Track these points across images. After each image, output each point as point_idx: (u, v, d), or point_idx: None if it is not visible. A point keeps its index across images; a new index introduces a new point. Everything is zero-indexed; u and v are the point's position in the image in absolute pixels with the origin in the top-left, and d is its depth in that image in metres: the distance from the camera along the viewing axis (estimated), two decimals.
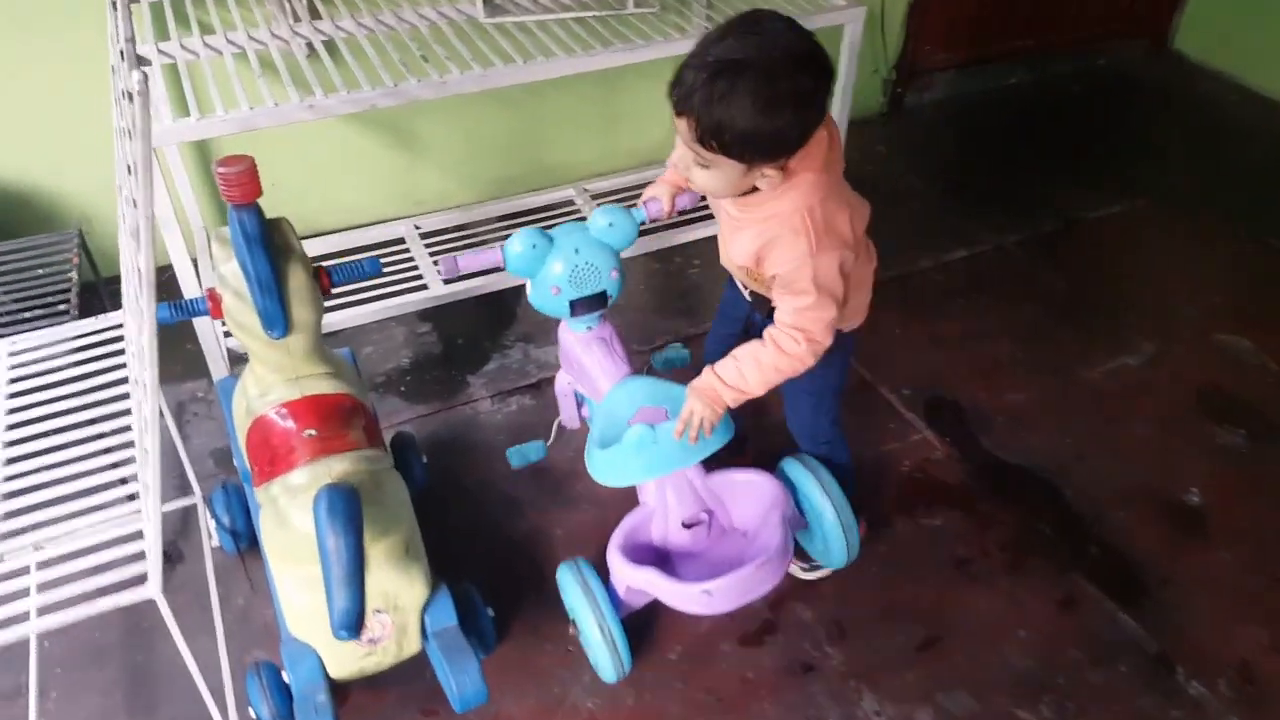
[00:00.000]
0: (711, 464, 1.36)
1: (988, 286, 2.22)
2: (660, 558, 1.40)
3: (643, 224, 1.35)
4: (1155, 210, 2.48)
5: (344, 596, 1.09)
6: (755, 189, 1.15)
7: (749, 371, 1.24)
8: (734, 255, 1.25)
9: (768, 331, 1.24)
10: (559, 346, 1.49)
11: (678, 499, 1.37)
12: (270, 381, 1.27)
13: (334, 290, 1.31)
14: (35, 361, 1.20)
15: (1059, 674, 1.43)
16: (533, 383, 1.93)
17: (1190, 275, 2.26)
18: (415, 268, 2.04)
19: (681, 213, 1.40)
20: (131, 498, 1.06)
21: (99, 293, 1.84)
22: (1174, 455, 1.79)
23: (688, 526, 1.39)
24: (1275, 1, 2.87)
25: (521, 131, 2.33)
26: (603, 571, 1.39)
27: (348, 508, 1.10)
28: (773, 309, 1.25)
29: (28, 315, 1.44)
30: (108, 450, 1.17)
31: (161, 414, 1.11)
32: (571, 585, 1.37)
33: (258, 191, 1.14)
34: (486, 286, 2.00)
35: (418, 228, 2.14)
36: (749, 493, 1.42)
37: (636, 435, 1.28)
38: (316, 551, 1.14)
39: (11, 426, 1.11)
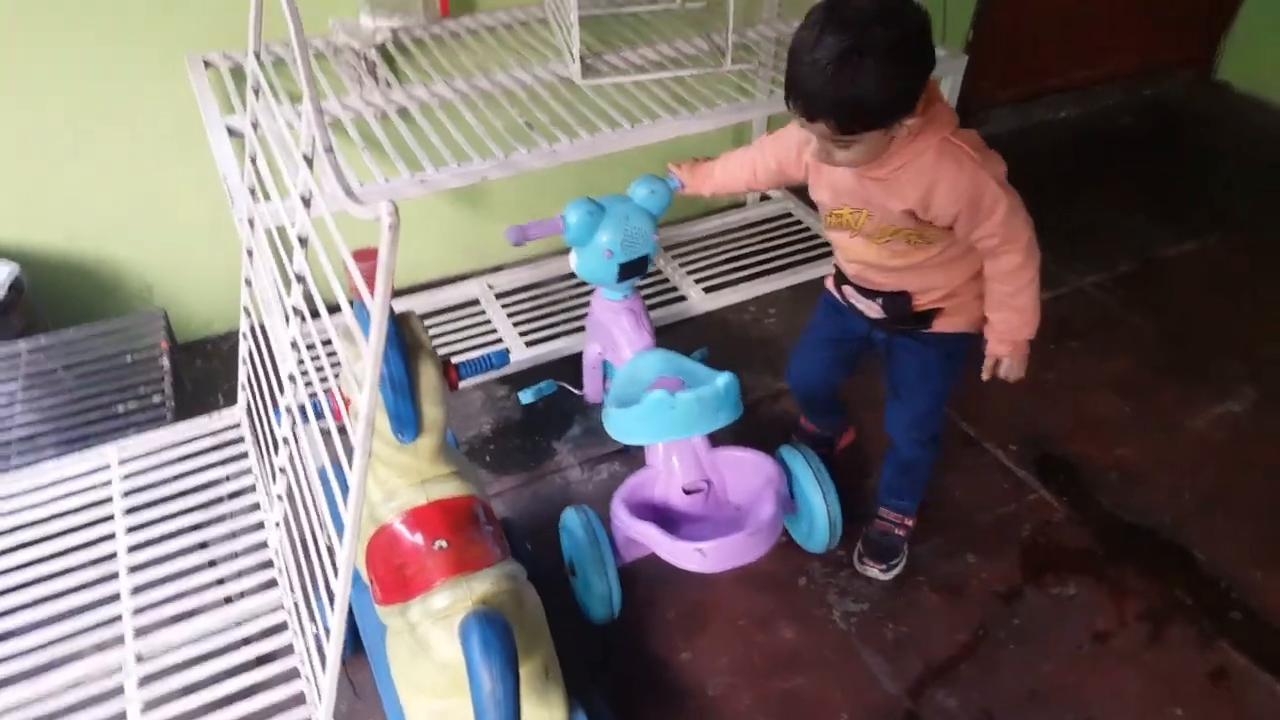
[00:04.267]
0: (716, 440, 1.50)
1: (1075, 331, 2.15)
2: (659, 518, 1.46)
3: (674, 191, 1.51)
4: (1229, 245, 2.43)
5: None
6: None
7: (1020, 303, 1.29)
8: (894, 219, 1.24)
9: (994, 273, 1.28)
10: (590, 319, 1.64)
11: (682, 465, 1.49)
12: (394, 486, 1.17)
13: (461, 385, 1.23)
14: (148, 470, 1.11)
15: None
16: (621, 448, 1.85)
17: (1278, 313, 2.20)
18: (494, 330, 1.97)
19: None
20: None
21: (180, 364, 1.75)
22: None
23: (688, 492, 1.49)
24: None
25: (585, 183, 2.26)
26: (607, 521, 1.48)
27: (503, 645, 1.01)
28: (913, 319, 1.35)
29: (121, 410, 1.35)
30: (212, 563, 1.08)
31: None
32: (576, 530, 1.45)
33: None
34: (563, 351, 1.93)
35: (491, 287, 2.07)
36: (747, 469, 1.50)
37: (657, 399, 1.36)
38: (458, 684, 1.05)
39: (134, 548, 1.02)
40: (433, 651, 1.06)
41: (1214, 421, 1.91)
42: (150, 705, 0.89)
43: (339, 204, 0.69)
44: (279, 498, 0.97)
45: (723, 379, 1.39)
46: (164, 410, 1.35)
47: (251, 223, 1.05)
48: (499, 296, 2.06)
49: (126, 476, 1.09)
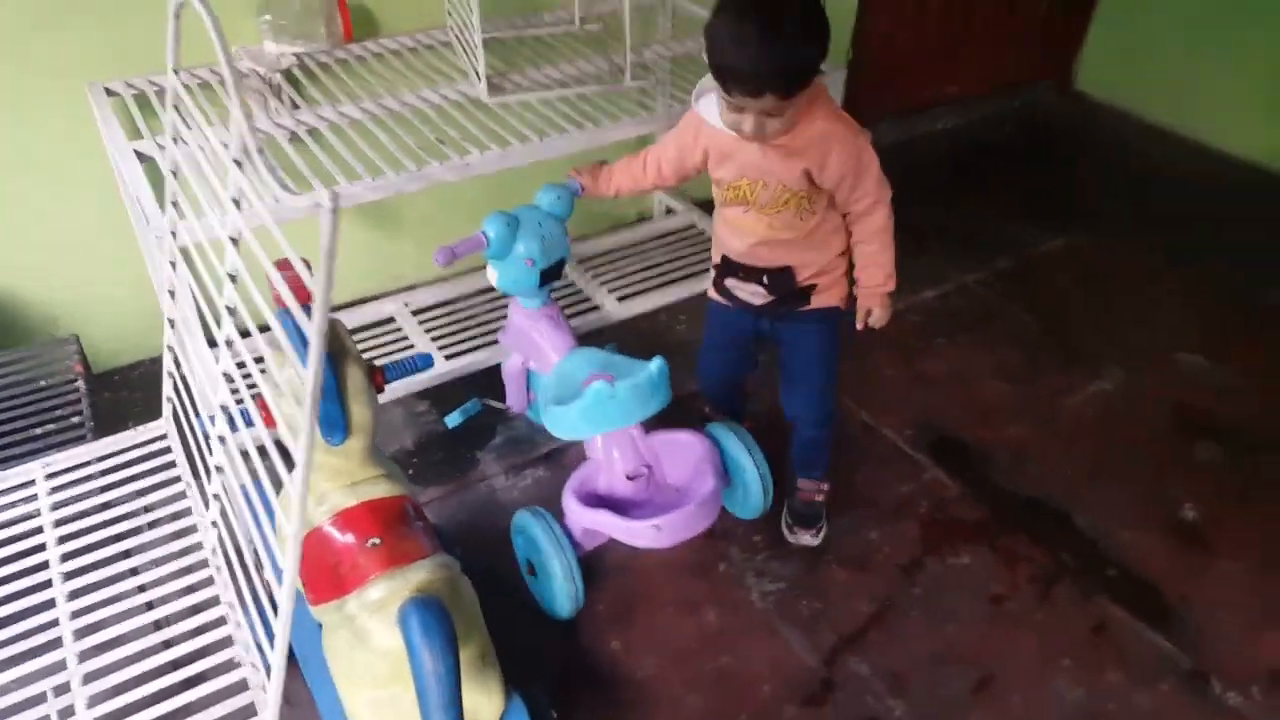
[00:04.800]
0: (649, 427, 1.58)
1: (962, 324, 2.32)
2: (605, 507, 1.53)
3: (575, 194, 1.59)
4: (1092, 242, 2.65)
5: None
6: None
7: (883, 260, 1.48)
8: (791, 182, 1.40)
9: (863, 235, 1.47)
10: (508, 330, 1.72)
11: (621, 454, 1.56)
12: (325, 489, 1.21)
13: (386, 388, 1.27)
14: (75, 483, 1.12)
15: (1108, 700, 1.49)
16: (544, 453, 1.91)
17: (1138, 300, 2.41)
18: (412, 345, 2.00)
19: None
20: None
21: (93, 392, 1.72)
22: (1163, 474, 1.90)
23: (631, 479, 1.56)
24: (1159, 45, 3.13)
25: (494, 199, 2.31)
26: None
27: (442, 625, 1.06)
28: (793, 296, 1.52)
29: (39, 432, 1.34)
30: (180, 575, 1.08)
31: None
32: (535, 530, 1.51)
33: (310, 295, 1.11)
34: (484, 363, 1.97)
35: (407, 305, 2.10)
36: (682, 451, 1.60)
37: (598, 390, 1.42)
38: (397, 671, 1.09)
39: (67, 557, 1.03)
40: (372, 641, 1.10)
41: (1088, 400, 2.09)
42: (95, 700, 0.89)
43: (277, 203, 0.74)
44: (215, 496, 1.00)
45: (655, 364, 1.47)
46: (84, 431, 1.34)
47: (174, 234, 1.08)
48: (415, 313, 2.10)
49: (53, 491, 1.10)
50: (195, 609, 0.99)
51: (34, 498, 1.09)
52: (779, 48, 1.22)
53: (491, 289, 2.21)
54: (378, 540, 1.18)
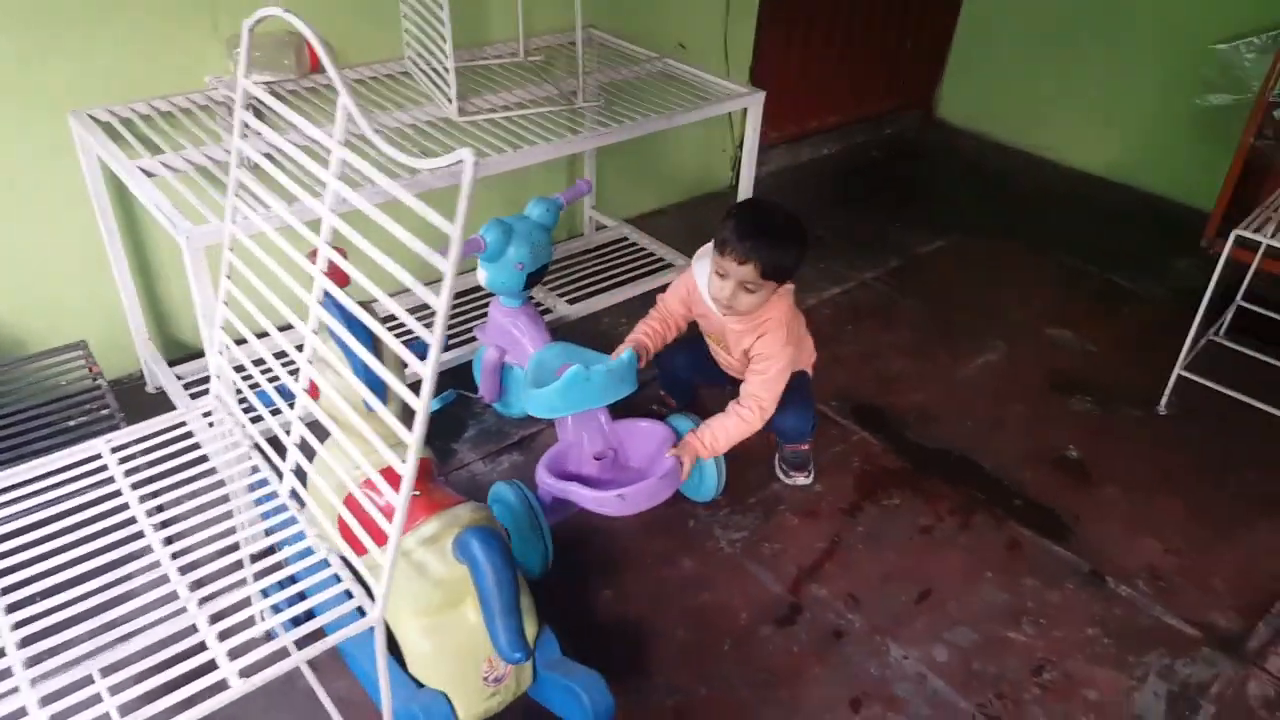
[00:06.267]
0: (614, 413, 1.82)
1: (864, 314, 2.63)
2: (574, 482, 1.73)
3: (560, 209, 1.83)
4: (966, 242, 3.04)
5: (513, 622, 1.20)
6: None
7: (721, 437, 1.78)
8: (736, 354, 1.85)
9: (732, 406, 1.79)
10: (488, 327, 1.93)
11: (590, 436, 1.77)
12: (364, 451, 1.36)
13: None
14: (144, 452, 1.23)
15: (1026, 599, 1.77)
16: (516, 440, 2.08)
17: (1009, 288, 2.79)
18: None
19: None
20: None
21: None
22: (1047, 424, 2.23)
23: (597, 459, 1.76)
24: (1006, 77, 3.62)
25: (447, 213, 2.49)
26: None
27: (500, 543, 1.23)
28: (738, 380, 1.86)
29: (73, 424, 1.43)
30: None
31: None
32: (510, 498, 1.67)
33: (348, 279, 1.27)
34: (451, 362, 2.13)
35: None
36: (644, 436, 1.81)
37: (574, 373, 1.63)
38: (449, 598, 1.25)
39: (151, 512, 1.14)
40: (428, 570, 1.26)
41: (978, 369, 2.42)
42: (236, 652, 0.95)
43: (418, 171, 0.92)
44: (295, 445, 1.14)
45: (626, 354, 1.68)
46: (117, 421, 1.44)
47: (235, 221, 1.23)
48: (383, 321, 2.23)
49: (123, 461, 1.20)
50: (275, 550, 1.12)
51: (105, 468, 1.19)
52: (769, 232, 1.66)
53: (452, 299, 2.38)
54: (417, 492, 1.34)
